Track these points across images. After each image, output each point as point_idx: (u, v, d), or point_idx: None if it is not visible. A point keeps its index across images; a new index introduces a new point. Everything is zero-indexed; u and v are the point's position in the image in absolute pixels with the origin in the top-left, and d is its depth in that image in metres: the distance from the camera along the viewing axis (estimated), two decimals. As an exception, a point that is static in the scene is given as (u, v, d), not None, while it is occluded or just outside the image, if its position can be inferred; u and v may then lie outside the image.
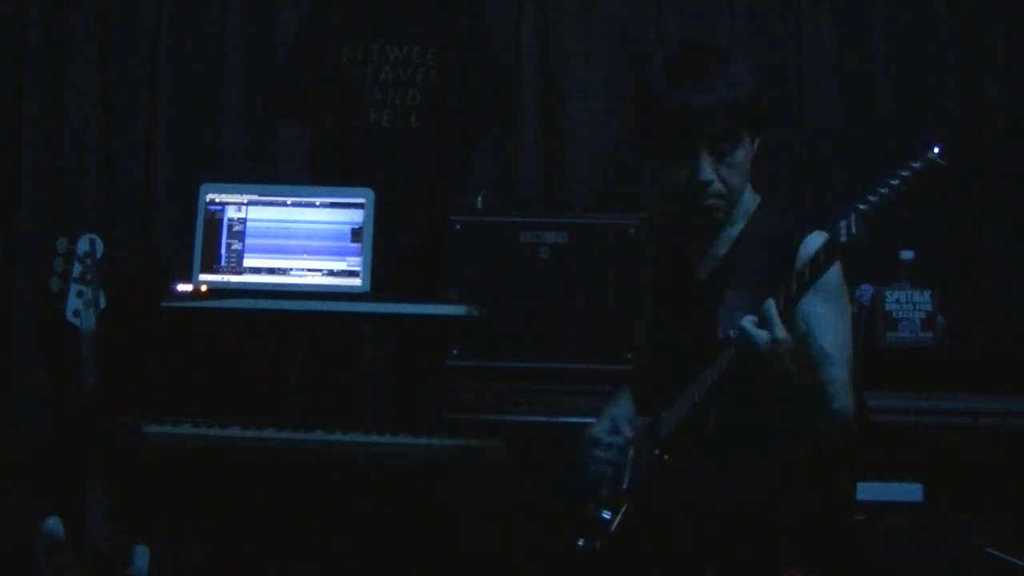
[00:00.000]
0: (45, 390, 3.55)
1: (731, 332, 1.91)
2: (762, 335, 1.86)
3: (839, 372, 2.08)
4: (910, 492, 2.98)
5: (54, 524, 3.02)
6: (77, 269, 3.17)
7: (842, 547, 2.98)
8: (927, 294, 3.19)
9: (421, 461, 3.13)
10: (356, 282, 3.30)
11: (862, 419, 3.00)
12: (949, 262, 3.58)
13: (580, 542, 2.16)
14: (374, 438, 3.10)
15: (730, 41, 3.67)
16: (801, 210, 2.03)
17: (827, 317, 2.08)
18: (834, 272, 2.01)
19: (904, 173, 1.73)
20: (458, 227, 3.27)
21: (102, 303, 3.20)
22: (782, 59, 3.69)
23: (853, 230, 1.75)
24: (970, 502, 2.98)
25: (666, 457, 2.10)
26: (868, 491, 2.96)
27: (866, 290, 3.23)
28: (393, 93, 3.63)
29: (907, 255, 3.23)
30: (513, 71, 3.69)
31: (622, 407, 2.36)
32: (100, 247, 3.22)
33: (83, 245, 3.19)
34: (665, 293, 2.32)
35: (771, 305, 1.87)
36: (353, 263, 3.31)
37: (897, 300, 3.19)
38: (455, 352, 3.21)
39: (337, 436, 3.11)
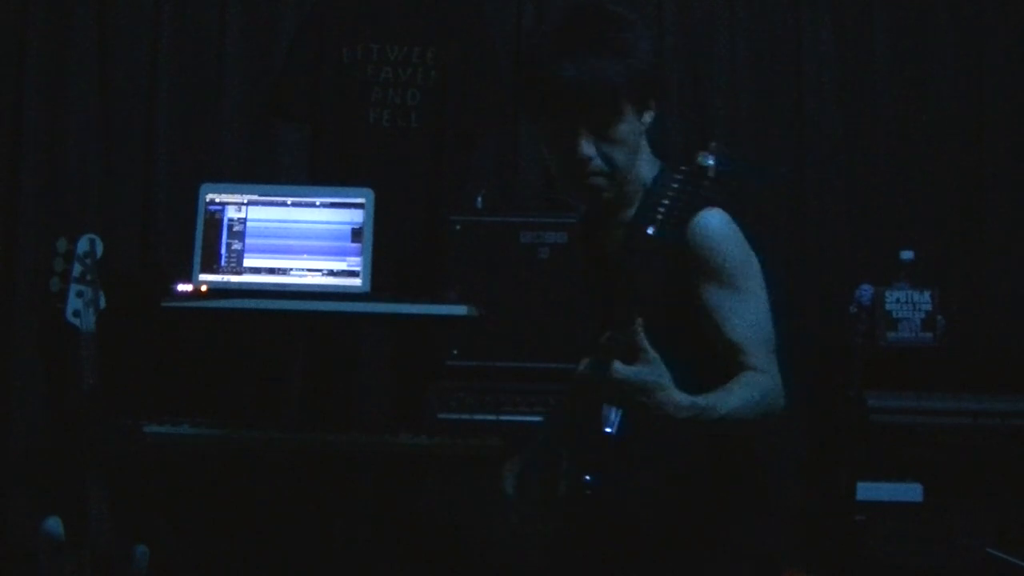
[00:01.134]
0: (45, 390, 3.55)
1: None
2: (595, 377, 1.76)
3: (756, 360, 1.90)
4: (910, 492, 2.98)
5: (54, 524, 3.01)
6: (77, 269, 3.16)
7: (842, 547, 2.99)
8: (927, 294, 3.19)
9: (421, 461, 3.13)
10: (356, 282, 3.29)
11: (862, 419, 3.01)
12: (949, 262, 3.58)
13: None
14: (374, 438, 3.10)
15: (730, 41, 3.67)
16: (697, 178, 1.88)
17: (729, 305, 1.92)
18: (729, 253, 1.91)
19: (675, 182, 1.81)
20: (458, 227, 3.26)
21: (102, 303, 3.20)
22: (782, 59, 3.69)
23: (653, 231, 1.78)
24: (970, 502, 2.98)
25: (588, 479, 1.94)
26: (868, 491, 2.97)
27: (866, 290, 3.23)
28: (393, 93, 3.63)
29: (907, 255, 3.23)
30: (513, 71, 3.68)
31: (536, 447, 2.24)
32: (100, 247, 3.21)
33: (83, 245, 3.18)
34: (585, 288, 2.21)
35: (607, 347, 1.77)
36: (353, 263, 3.30)
37: (897, 300, 3.19)
38: (455, 352, 3.21)
39: (337, 436, 3.11)
